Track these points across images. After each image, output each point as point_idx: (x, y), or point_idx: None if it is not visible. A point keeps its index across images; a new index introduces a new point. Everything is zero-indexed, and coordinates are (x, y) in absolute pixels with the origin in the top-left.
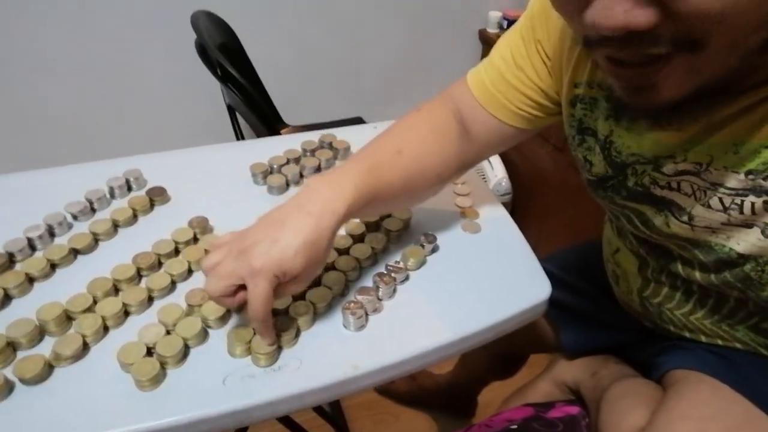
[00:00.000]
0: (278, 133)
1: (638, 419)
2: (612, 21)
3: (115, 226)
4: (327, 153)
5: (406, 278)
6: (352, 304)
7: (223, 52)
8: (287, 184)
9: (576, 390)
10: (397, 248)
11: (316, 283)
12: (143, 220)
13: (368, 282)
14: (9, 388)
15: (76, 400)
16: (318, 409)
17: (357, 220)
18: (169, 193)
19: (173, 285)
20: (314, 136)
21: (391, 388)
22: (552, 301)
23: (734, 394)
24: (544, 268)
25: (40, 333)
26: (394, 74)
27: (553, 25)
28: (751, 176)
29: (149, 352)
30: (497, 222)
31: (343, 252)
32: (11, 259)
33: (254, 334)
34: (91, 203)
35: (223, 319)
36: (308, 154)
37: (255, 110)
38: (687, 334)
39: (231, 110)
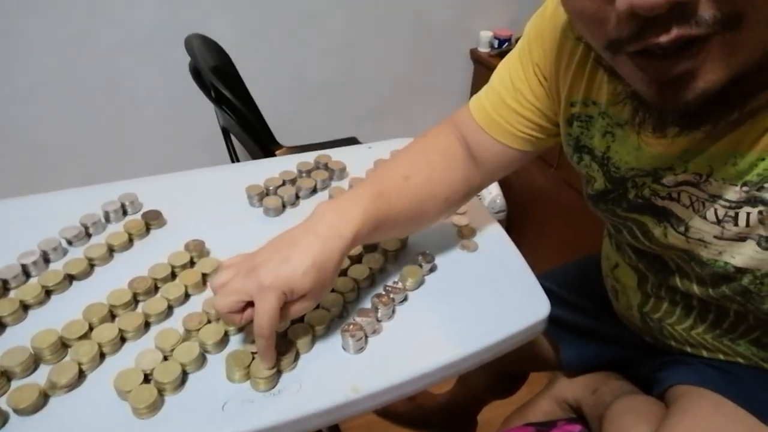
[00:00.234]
0: (273, 155)
1: None
2: None
3: (111, 250)
4: (323, 174)
5: (405, 298)
6: (352, 327)
7: (216, 75)
8: (283, 206)
9: (577, 408)
10: (395, 268)
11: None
12: (139, 244)
13: (367, 303)
14: (3, 419)
15: (73, 429)
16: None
17: None
18: (165, 217)
19: (170, 310)
20: (309, 157)
21: (389, 408)
22: (551, 319)
23: (737, 409)
24: (542, 285)
25: (34, 361)
26: (387, 94)
27: (549, 46)
28: (745, 188)
29: (146, 378)
30: (494, 240)
31: (341, 273)
32: (5, 286)
33: (253, 358)
34: (86, 228)
35: (222, 343)
36: (304, 175)
37: (249, 132)
38: (688, 349)
39: (225, 132)
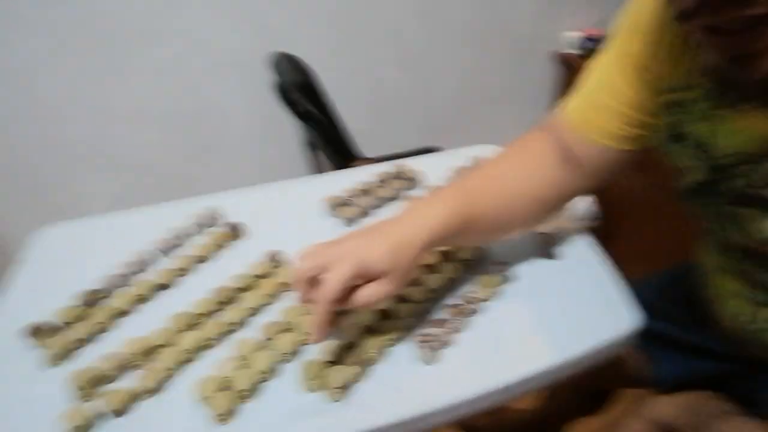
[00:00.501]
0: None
1: None
2: None
3: (198, 261)
4: (401, 183)
5: (482, 309)
6: (426, 337)
7: (301, 91)
8: (362, 215)
9: (673, 430)
10: (471, 278)
11: (387, 316)
12: (223, 254)
13: (441, 314)
14: (96, 420)
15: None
16: None
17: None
18: (248, 229)
19: (251, 318)
20: (388, 167)
21: (467, 423)
22: (644, 331)
23: None
24: (634, 295)
25: (126, 366)
26: (465, 102)
27: (647, 34)
28: None
29: (226, 385)
30: (579, 247)
31: (415, 283)
32: (103, 295)
33: (327, 366)
34: (175, 240)
35: (299, 352)
36: (382, 184)
37: (333, 145)
38: None
39: (310, 147)
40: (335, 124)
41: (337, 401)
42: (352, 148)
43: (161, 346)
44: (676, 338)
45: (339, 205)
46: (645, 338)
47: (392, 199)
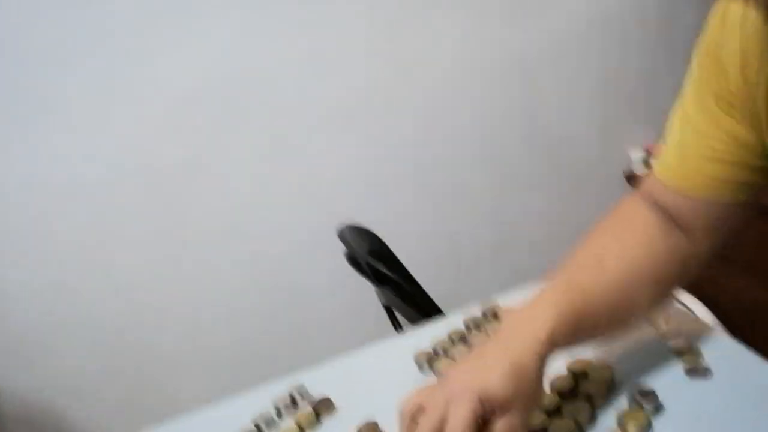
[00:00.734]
0: None
1: None
2: None
3: None
4: (493, 323)
5: None
6: None
7: (373, 257)
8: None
9: None
10: (607, 416)
11: None
12: None
13: None
14: None
15: None
16: None
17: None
18: (335, 403)
19: None
20: (474, 310)
21: None
22: None
23: None
24: None
25: None
26: (544, 243)
27: (727, 60)
28: None
29: None
30: (730, 359)
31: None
32: None
33: None
34: (259, 428)
35: None
36: (473, 329)
37: (412, 305)
38: None
39: (389, 310)
40: (413, 284)
41: None
42: (434, 305)
43: None
44: None
45: (430, 360)
46: None
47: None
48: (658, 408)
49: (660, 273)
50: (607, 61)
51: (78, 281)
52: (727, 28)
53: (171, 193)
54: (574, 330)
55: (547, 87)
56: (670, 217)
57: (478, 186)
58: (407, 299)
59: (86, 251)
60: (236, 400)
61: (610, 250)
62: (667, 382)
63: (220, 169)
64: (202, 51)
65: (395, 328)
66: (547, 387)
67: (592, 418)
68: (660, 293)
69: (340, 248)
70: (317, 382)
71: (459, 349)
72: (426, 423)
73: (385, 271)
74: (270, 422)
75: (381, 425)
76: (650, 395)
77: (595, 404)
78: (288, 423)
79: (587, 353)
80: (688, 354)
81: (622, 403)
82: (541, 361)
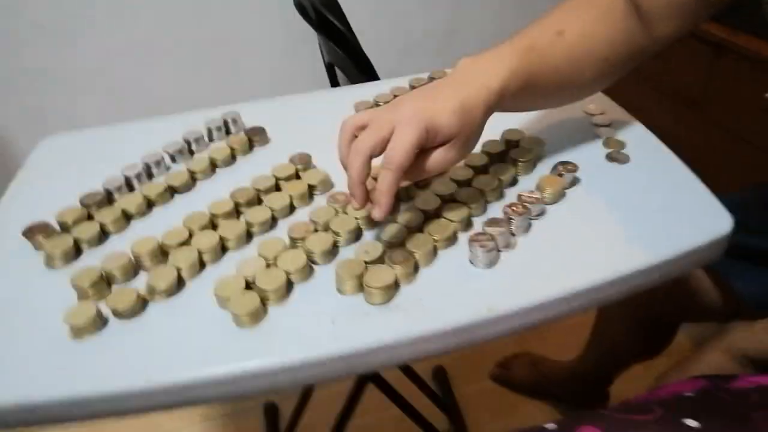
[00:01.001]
0: None
1: None
2: None
3: (213, 165)
4: None
5: (542, 212)
6: (481, 236)
7: (324, 7)
8: None
9: (763, 362)
10: (529, 180)
11: (436, 215)
12: (242, 160)
13: (499, 214)
14: (103, 321)
15: (171, 335)
16: (432, 397)
17: (477, 151)
18: (269, 135)
19: (274, 221)
20: (423, 77)
21: (509, 376)
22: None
23: None
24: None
25: (134, 267)
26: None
27: None
28: None
29: (248, 286)
30: (651, 151)
31: (464, 184)
32: (109, 197)
33: (366, 268)
34: (189, 144)
35: (331, 254)
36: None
37: (356, 62)
38: None
39: (330, 68)
40: (357, 44)
41: (378, 304)
42: (374, 70)
43: (172, 246)
44: (761, 251)
45: (370, 108)
46: (727, 254)
47: None
48: (575, 181)
49: (612, 55)
50: None
51: None
52: None
53: None
54: (524, 89)
55: None
56: (635, 5)
57: None
58: (352, 56)
59: None
60: (169, 119)
61: (571, 24)
62: (589, 163)
63: None
64: None
65: (334, 86)
66: (479, 148)
67: (515, 180)
68: (608, 72)
69: None
70: (253, 113)
71: None
72: (366, 137)
73: (335, 22)
74: (200, 141)
75: (314, 158)
76: (571, 167)
77: (518, 169)
78: (220, 145)
79: (522, 128)
80: (612, 142)
81: (544, 173)
82: (488, 109)
